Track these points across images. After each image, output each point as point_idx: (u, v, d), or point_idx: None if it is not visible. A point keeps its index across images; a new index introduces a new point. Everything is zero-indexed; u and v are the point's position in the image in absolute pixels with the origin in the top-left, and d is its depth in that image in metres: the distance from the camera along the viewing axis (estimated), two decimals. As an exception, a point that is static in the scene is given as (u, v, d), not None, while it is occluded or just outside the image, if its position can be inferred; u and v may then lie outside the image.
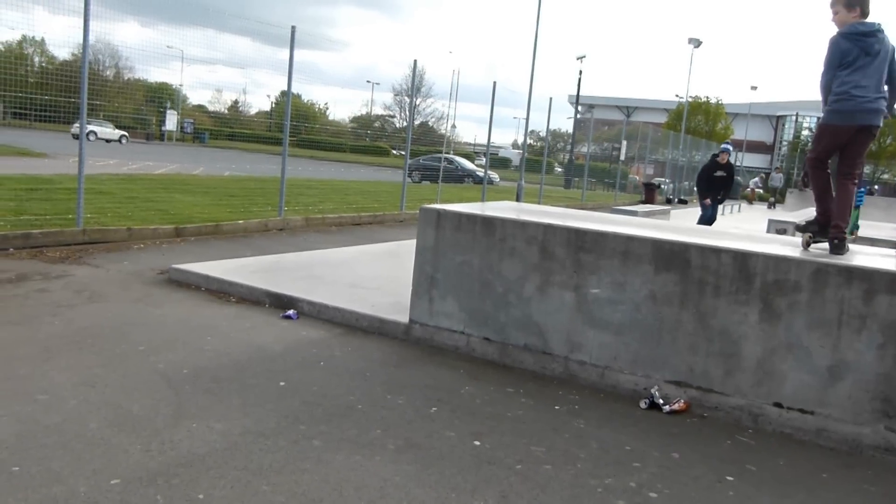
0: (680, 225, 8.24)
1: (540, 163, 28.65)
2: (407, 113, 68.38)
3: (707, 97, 56.79)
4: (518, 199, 19.52)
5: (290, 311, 6.25)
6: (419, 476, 3.42)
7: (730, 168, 13.85)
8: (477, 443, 3.87)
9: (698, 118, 55.28)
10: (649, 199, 28.60)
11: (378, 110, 75.14)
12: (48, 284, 6.62)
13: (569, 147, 53.37)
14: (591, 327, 5.02)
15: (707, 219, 13.82)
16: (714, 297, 4.61)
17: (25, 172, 14.79)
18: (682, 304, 4.71)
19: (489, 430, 4.06)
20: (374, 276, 7.68)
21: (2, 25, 9.95)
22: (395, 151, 50.41)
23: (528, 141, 26.68)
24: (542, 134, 52.17)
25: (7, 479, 3.07)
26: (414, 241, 5.93)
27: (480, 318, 5.47)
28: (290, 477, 3.29)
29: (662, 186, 34.40)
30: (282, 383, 4.54)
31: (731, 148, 14.05)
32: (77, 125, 9.67)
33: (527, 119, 21.08)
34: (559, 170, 56.84)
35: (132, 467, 3.26)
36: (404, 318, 5.85)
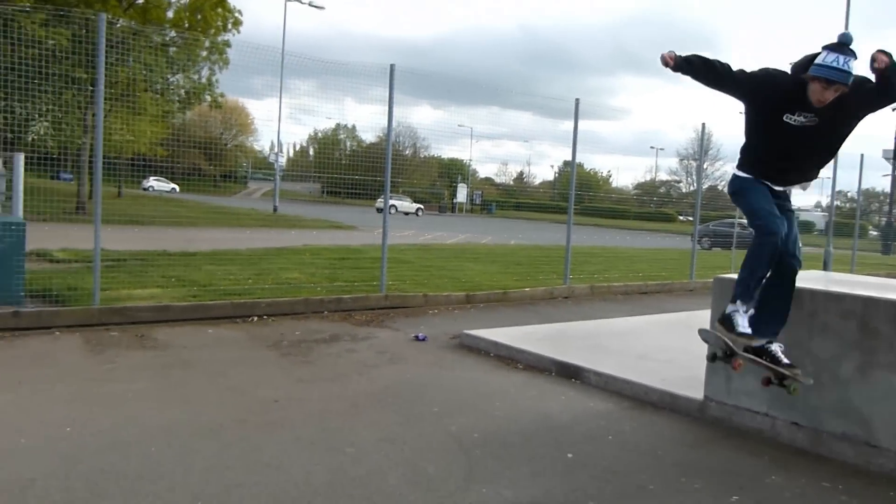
0: None
1: (850, 226, 25.87)
2: (694, 177, 66.09)
3: None
4: (825, 268, 17.68)
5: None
6: (721, 573, 3.09)
7: (838, 109, 4.07)
8: (788, 542, 3.43)
9: None
10: None
11: (662, 176, 73.72)
12: (356, 345, 7.26)
13: (885, 208, 47.59)
14: (929, 418, 4.27)
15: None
16: None
17: (338, 243, 16.63)
18: None
19: (802, 529, 3.58)
20: (663, 347, 7.34)
21: (321, 116, 11.49)
22: (681, 217, 48.80)
23: (836, 202, 24.23)
24: (852, 194, 47.24)
25: (320, 525, 3.33)
26: (707, 312, 5.57)
27: (787, 400, 4.92)
28: (580, 556, 3.17)
29: None
30: (569, 455, 4.45)
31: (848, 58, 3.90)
32: (381, 200, 10.68)
33: (833, 178, 19.10)
34: (874, 233, 50.75)
35: (427, 527, 3.36)
36: (698, 394, 5.48)
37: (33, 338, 6.79)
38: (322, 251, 14.71)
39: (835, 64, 3.88)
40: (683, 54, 4.29)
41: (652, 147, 65.72)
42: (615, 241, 24.24)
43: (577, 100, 12.09)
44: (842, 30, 4.03)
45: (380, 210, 11.76)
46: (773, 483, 4.19)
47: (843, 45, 3.90)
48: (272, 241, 16.19)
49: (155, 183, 27.70)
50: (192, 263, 11.38)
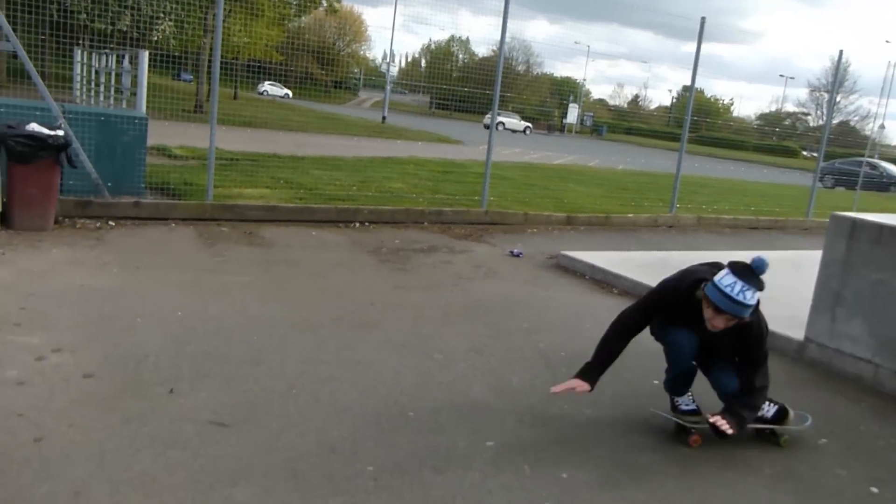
0: None
1: None
2: (824, 110, 61.99)
3: None
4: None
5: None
6: (799, 511, 3.06)
7: (742, 333, 3.62)
8: (874, 489, 3.33)
9: None
10: None
11: (789, 107, 69.69)
12: (452, 257, 7.36)
13: None
14: None
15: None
16: None
17: (444, 157, 16.68)
18: None
19: (893, 479, 3.47)
20: (767, 284, 7.08)
21: (434, 27, 11.35)
22: (805, 153, 46.19)
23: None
24: None
25: (404, 421, 3.48)
26: (819, 253, 5.33)
27: (895, 349, 4.70)
28: (655, 479, 3.19)
29: None
30: (655, 382, 4.42)
31: (751, 299, 3.40)
32: (489, 116, 10.57)
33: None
34: None
35: (506, 433, 3.46)
36: (798, 334, 5.29)
37: (151, 227, 7.22)
38: (426, 163, 14.82)
39: (728, 290, 3.28)
40: (582, 370, 3.56)
41: (781, 75, 62.05)
42: (729, 173, 23.27)
43: (703, 18, 11.40)
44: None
45: (487, 126, 11.67)
46: (867, 431, 4.05)
47: (746, 271, 3.33)
48: (378, 150, 16.42)
49: (269, 87, 28.37)
50: (300, 167, 11.72)
